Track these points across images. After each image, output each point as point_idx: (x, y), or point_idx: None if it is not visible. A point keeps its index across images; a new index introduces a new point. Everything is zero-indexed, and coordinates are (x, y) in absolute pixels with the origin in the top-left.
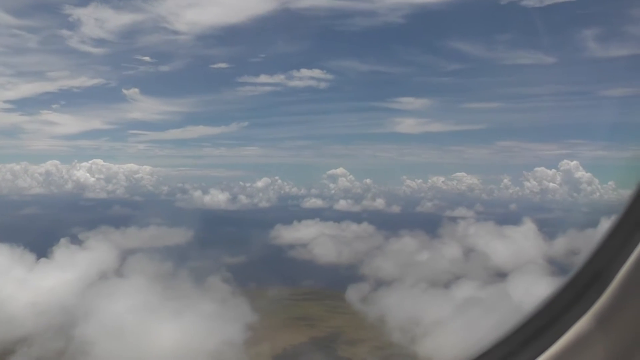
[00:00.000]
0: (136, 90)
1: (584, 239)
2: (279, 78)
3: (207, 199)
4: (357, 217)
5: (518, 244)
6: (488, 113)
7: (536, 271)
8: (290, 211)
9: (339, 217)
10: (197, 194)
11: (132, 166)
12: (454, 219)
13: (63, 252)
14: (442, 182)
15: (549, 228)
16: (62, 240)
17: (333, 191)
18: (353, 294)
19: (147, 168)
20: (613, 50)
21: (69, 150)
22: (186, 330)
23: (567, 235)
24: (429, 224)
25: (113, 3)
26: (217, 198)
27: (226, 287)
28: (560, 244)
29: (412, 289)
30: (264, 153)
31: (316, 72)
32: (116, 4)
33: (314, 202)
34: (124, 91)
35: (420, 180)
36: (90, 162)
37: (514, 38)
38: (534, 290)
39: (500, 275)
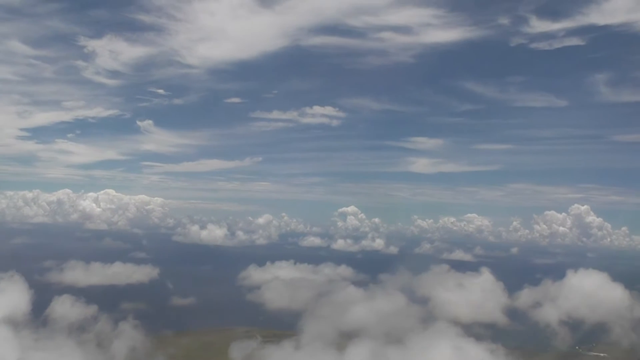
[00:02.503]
0: (150, 122)
1: (558, 289)
2: (291, 114)
3: (204, 234)
4: (348, 258)
5: (469, 297)
6: (500, 155)
7: (447, 332)
8: (285, 249)
9: (333, 256)
10: (195, 228)
11: (144, 197)
12: (446, 263)
13: None
14: (452, 222)
15: (541, 275)
16: None
17: (339, 229)
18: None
19: (159, 200)
20: (626, 96)
21: (83, 180)
22: None
23: (543, 285)
24: (417, 268)
25: (126, 36)
26: (214, 233)
27: (135, 333)
28: (525, 296)
29: (311, 344)
30: (277, 189)
31: (329, 110)
32: (129, 36)
33: (313, 241)
34: (139, 123)
35: (431, 220)
36: (101, 192)
37: (526, 80)
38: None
39: (419, 333)
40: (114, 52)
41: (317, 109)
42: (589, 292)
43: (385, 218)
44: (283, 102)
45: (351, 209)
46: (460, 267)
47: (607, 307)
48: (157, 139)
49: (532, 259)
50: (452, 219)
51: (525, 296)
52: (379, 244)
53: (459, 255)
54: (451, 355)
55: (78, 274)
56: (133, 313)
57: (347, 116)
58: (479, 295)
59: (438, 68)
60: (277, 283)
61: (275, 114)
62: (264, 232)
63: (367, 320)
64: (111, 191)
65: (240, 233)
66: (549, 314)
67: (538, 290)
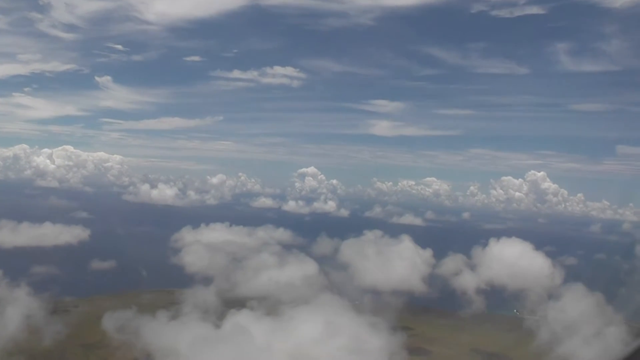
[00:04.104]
0: (109, 78)
1: (485, 257)
2: (252, 74)
3: (154, 193)
4: (295, 220)
5: (393, 264)
6: (461, 120)
7: (334, 303)
8: (234, 210)
9: (281, 218)
10: (145, 187)
11: (102, 155)
12: (394, 227)
13: None
14: (410, 186)
15: (486, 240)
16: None
17: (296, 191)
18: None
19: (118, 157)
20: (585, 66)
21: (41, 135)
22: None
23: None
24: (358, 232)
25: None
26: (165, 193)
27: (33, 299)
28: (451, 263)
29: (191, 313)
30: (238, 148)
31: (289, 70)
32: None
33: (264, 202)
34: (97, 78)
35: (390, 183)
36: (59, 148)
37: (487, 47)
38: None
39: (308, 303)
40: (69, 4)
41: (278, 69)
42: (512, 260)
43: (344, 180)
44: (243, 61)
45: (311, 170)
46: (405, 231)
47: (528, 274)
48: (116, 95)
49: (482, 224)
50: (411, 182)
51: (451, 263)
52: (330, 206)
53: (408, 219)
54: (323, 329)
55: (4, 234)
56: (42, 277)
57: (307, 77)
58: (403, 262)
59: (399, 32)
60: (198, 247)
61: (236, 74)
62: (217, 192)
63: (269, 288)
64: (69, 147)
65: (191, 193)
66: (468, 282)
67: (467, 257)
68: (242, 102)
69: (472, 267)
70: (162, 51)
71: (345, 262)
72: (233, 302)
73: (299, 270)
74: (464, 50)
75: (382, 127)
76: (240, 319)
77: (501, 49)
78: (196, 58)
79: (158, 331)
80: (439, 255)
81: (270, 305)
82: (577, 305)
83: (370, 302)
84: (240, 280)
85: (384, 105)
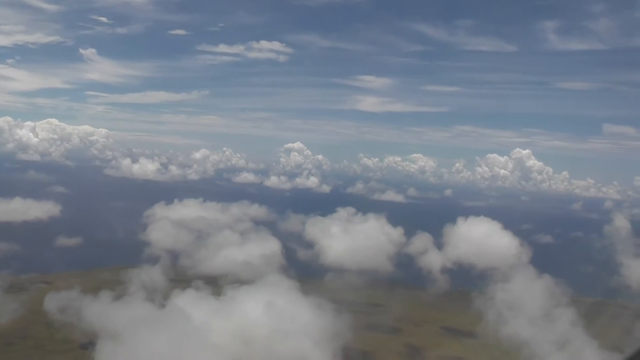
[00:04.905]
0: (94, 50)
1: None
2: (238, 48)
3: (136, 167)
4: (275, 196)
5: (361, 242)
6: (448, 96)
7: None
8: (215, 185)
9: (261, 194)
10: (126, 162)
11: (87, 128)
12: (374, 203)
13: None
14: (396, 162)
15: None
16: None
17: (281, 166)
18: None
19: (103, 131)
20: (573, 44)
21: (26, 108)
22: None
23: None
24: (336, 208)
25: None
26: (146, 167)
27: None
28: (419, 242)
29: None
30: (224, 123)
31: (276, 45)
32: None
33: (246, 177)
34: (82, 51)
35: (376, 159)
36: (43, 121)
37: (475, 24)
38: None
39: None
40: None
41: (265, 43)
42: (482, 238)
43: (331, 155)
44: (229, 35)
45: (297, 145)
46: (385, 208)
47: (497, 253)
48: (101, 68)
49: (464, 201)
50: (398, 159)
51: (421, 242)
52: (312, 182)
53: (390, 195)
54: (268, 310)
55: None
56: (3, 254)
57: (294, 52)
58: (372, 240)
59: (387, 8)
60: (167, 223)
61: (222, 48)
62: (199, 167)
63: (226, 266)
64: (54, 121)
65: (173, 167)
66: (437, 260)
67: (440, 235)
68: (228, 76)
69: (443, 246)
70: (147, 24)
71: (312, 240)
72: (186, 281)
73: (262, 248)
74: (452, 27)
75: (369, 103)
76: (182, 299)
77: (489, 26)
78: (182, 32)
79: (103, 311)
80: (414, 232)
81: (220, 285)
82: (540, 284)
83: (331, 280)
84: (200, 258)
85: (371, 81)
